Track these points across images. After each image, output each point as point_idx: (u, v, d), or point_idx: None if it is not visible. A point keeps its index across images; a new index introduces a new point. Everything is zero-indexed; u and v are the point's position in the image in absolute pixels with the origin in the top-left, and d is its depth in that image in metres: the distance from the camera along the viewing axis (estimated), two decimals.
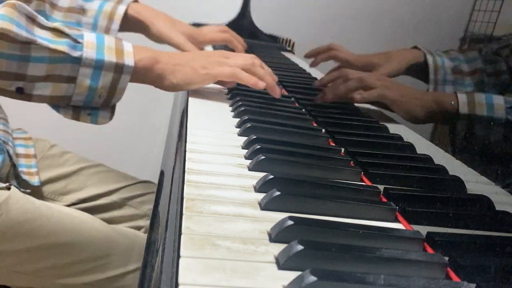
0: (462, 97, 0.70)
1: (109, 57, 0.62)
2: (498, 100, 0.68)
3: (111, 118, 0.69)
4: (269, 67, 0.77)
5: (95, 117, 0.68)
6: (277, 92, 0.73)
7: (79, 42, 0.61)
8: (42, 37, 0.60)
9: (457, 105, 0.69)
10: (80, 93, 0.63)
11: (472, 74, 0.88)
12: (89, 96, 0.64)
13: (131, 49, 0.65)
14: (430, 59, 0.93)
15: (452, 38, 0.90)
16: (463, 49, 0.90)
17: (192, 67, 0.70)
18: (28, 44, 0.59)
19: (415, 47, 0.96)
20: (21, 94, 0.63)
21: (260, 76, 0.72)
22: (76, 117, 0.67)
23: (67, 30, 0.61)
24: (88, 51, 0.61)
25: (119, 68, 0.63)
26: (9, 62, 0.60)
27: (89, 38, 0.62)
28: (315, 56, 1.07)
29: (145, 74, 0.68)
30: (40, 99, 0.64)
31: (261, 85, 0.71)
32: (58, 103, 0.66)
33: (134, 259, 0.87)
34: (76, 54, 0.61)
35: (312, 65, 1.06)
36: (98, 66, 0.62)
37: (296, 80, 1.01)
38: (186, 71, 0.69)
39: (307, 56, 1.10)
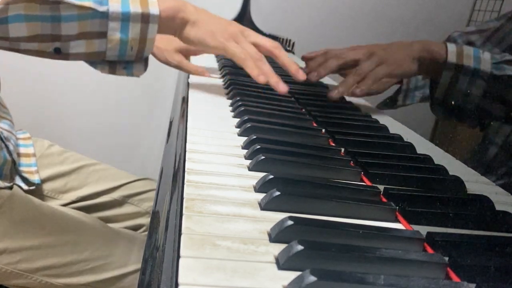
0: (451, 47, 0.70)
1: (135, 8, 0.64)
2: (486, 55, 0.68)
3: (145, 69, 0.71)
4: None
5: (130, 70, 0.70)
6: (282, 89, 0.73)
7: None
8: None
9: (445, 54, 0.69)
10: (112, 47, 0.65)
11: None
12: (122, 50, 0.65)
13: None
14: None
15: None
16: None
17: (212, 31, 0.71)
18: (57, 3, 0.61)
19: None
20: (59, 54, 0.65)
21: (265, 71, 0.72)
22: (113, 71, 0.69)
23: None
24: (114, 5, 0.63)
25: (145, 18, 0.64)
26: (43, 24, 0.62)
27: None
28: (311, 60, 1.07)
29: (170, 23, 0.69)
30: (76, 56, 0.66)
31: (262, 79, 0.71)
32: (94, 60, 0.68)
33: (133, 260, 0.87)
34: (102, 8, 0.62)
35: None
36: (125, 18, 0.63)
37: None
38: (205, 31, 0.71)
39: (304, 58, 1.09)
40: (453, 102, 0.68)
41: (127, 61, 0.69)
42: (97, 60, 0.68)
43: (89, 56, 0.66)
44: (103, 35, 0.64)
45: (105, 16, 0.63)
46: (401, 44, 0.79)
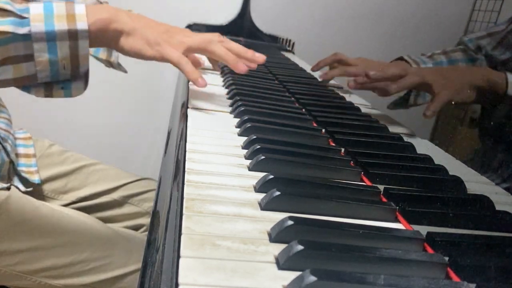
0: (511, 77, 0.68)
1: (60, 25, 0.59)
2: None
3: (85, 88, 0.66)
4: (238, 44, 0.74)
5: (68, 89, 0.65)
6: (240, 68, 0.70)
7: (24, 17, 0.58)
8: None
9: (505, 85, 0.68)
10: (42, 69, 0.60)
11: None
12: (53, 70, 0.61)
13: (83, 11, 0.61)
14: None
15: (452, 38, 0.90)
16: (447, 51, 0.90)
17: (146, 39, 0.67)
18: None
19: (401, 58, 0.96)
20: None
21: (217, 54, 0.70)
22: (49, 94, 0.65)
23: (9, 7, 0.58)
24: (36, 25, 0.58)
25: (73, 35, 0.60)
26: None
27: (35, 10, 0.59)
28: (322, 66, 1.03)
29: (102, 35, 0.64)
30: (5, 83, 0.61)
31: (200, 83, 0.68)
32: (26, 84, 0.63)
33: (133, 260, 0.87)
34: (23, 31, 0.58)
35: (323, 77, 1.03)
36: (51, 37, 0.59)
37: (296, 80, 1.01)
38: (139, 41, 0.66)
39: (314, 69, 1.06)
40: (505, 135, 0.67)
41: (64, 81, 0.64)
42: (30, 84, 0.63)
43: (20, 81, 0.61)
44: (30, 57, 0.59)
45: (27, 38, 0.58)
46: (462, 70, 0.78)
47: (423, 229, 0.40)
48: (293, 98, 0.83)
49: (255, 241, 0.35)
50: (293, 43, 1.48)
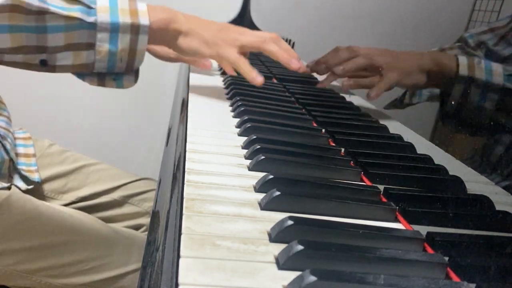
0: (462, 59, 0.69)
1: (124, 18, 0.62)
2: (497, 67, 0.67)
3: (135, 81, 0.70)
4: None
5: (120, 81, 0.68)
6: (293, 65, 0.71)
7: (92, 8, 0.62)
8: (55, 5, 0.60)
9: (456, 67, 0.68)
10: (101, 59, 0.64)
11: None
12: (111, 61, 0.64)
13: (145, 8, 0.65)
14: None
15: (452, 38, 0.90)
16: (444, 48, 0.90)
17: (204, 40, 0.70)
18: (42, 14, 0.59)
19: None
20: (45, 66, 0.63)
21: (271, 52, 0.71)
22: (102, 83, 0.68)
23: None
24: (102, 15, 0.62)
25: (135, 29, 0.63)
26: (28, 35, 0.60)
27: (102, 2, 0.63)
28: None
29: (162, 34, 0.68)
30: (63, 69, 0.64)
31: (257, 81, 0.70)
32: (82, 72, 0.66)
33: (133, 260, 0.87)
34: (90, 19, 0.61)
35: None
36: (114, 29, 0.62)
37: (296, 80, 1.01)
38: (196, 40, 0.70)
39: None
40: (465, 116, 0.67)
41: (116, 73, 0.67)
42: (85, 72, 0.66)
43: (77, 68, 0.65)
44: (91, 46, 0.63)
45: (93, 27, 0.61)
46: (411, 54, 0.78)
47: (423, 229, 0.40)
48: (293, 98, 0.83)
49: (255, 241, 0.35)
50: (293, 43, 1.48)
